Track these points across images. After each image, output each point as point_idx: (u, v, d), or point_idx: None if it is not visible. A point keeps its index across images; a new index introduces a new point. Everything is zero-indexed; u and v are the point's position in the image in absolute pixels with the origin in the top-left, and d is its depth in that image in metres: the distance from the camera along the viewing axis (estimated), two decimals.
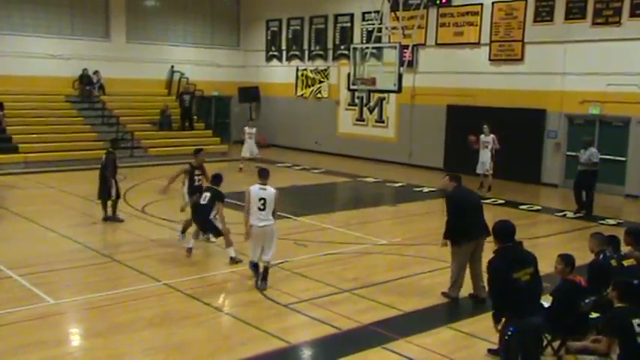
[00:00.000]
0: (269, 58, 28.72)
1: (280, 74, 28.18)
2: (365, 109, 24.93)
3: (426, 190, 18.24)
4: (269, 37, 28.60)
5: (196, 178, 11.73)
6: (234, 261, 10.32)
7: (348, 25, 25.08)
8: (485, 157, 17.44)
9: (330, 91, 26.28)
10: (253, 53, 29.32)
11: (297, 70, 27.45)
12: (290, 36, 27.66)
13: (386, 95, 23.29)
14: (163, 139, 24.07)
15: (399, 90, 17.89)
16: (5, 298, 8.53)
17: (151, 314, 8.22)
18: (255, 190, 8.96)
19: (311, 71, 26.96)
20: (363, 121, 25.03)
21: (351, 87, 19.52)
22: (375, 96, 23.91)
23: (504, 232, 5.92)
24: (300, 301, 8.69)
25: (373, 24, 19.63)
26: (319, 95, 26.74)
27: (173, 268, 10.22)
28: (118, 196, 13.37)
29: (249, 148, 21.38)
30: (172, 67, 27.15)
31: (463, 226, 8.58)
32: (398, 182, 19.67)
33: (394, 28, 19.72)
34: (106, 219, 13.20)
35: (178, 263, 10.48)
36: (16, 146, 20.99)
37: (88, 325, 8.00)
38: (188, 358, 6.98)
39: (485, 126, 17.52)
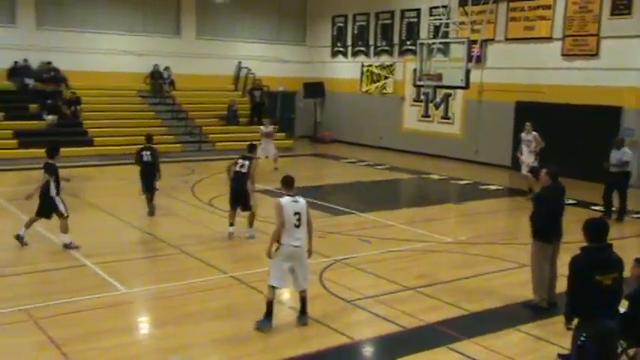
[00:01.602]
0: (334, 54, 28.75)
1: (345, 70, 28.16)
2: (430, 105, 24.62)
3: (492, 187, 17.86)
4: (335, 33, 28.63)
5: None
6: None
7: (415, 20, 24.80)
8: (529, 158, 16.19)
9: (395, 87, 26.08)
10: (319, 49, 29.41)
11: (362, 65, 27.37)
12: (356, 32, 27.60)
13: (452, 91, 22.93)
14: (230, 133, 24.48)
15: (467, 86, 17.57)
16: (81, 286, 8.88)
17: (217, 306, 8.39)
18: (288, 203, 7.46)
19: (376, 67, 26.82)
20: (429, 117, 24.74)
21: (417, 83, 19.30)
22: (441, 92, 23.59)
23: (596, 231, 5.59)
24: (363, 298, 8.69)
25: (441, 19, 19.35)
26: (384, 91, 26.59)
27: (239, 260, 10.41)
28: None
29: (263, 150, 19.53)
30: (240, 62, 27.57)
31: (553, 226, 8.34)
32: (463, 180, 19.35)
33: (462, 23, 19.39)
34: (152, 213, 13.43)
35: (244, 256, 10.67)
36: (92, 139, 21.81)
37: (157, 315, 8.24)
38: (253, 351, 7.08)
39: (527, 123, 16.41)
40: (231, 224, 11.66)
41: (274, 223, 7.49)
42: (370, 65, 27.06)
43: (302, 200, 7.57)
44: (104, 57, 24.62)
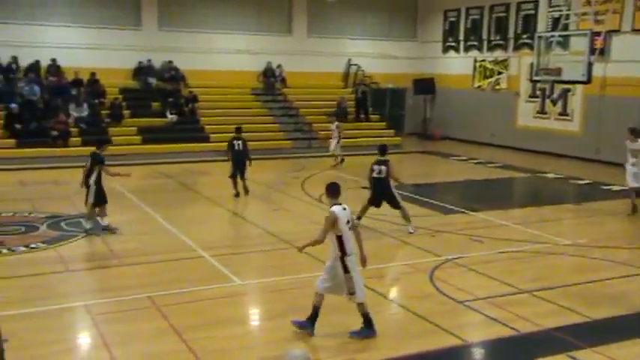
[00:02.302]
0: (446, 49, 28.21)
1: (457, 65, 27.56)
2: (547, 101, 23.57)
3: (615, 188, 16.84)
4: (447, 28, 28.08)
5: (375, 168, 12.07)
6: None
7: (532, 12, 23.81)
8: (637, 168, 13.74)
9: (509, 83, 25.21)
10: (430, 44, 28.97)
11: (475, 60, 26.67)
12: (469, 26, 26.94)
13: (572, 86, 21.81)
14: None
15: (589, 81, 16.64)
16: (198, 277, 9.27)
17: (327, 301, 8.45)
18: (341, 212, 7.05)
19: (489, 62, 26.05)
20: (545, 113, 23.70)
21: (534, 78, 18.53)
22: (560, 87, 22.51)
23: None
24: (476, 299, 8.46)
25: (561, 10, 18.48)
26: (497, 87, 25.76)
27: None
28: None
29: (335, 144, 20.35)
30: (350, 60, 27.70)
31: None
32: (583, 179, 18.38)
33: (584, 13, 18.41)
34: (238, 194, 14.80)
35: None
36: (208, 136, 22.71)
37: (270, 307, 8.44)
38: (364, 348, 7.09)
39: (633, 128, 14.11)
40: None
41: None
42: (483, 60, 26.32)
43: (349, 208, 7.22)
44: (220, 56, 25.57)
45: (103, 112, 22.43)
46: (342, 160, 20.37)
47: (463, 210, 14.01)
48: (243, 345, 7.10)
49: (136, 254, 10.37)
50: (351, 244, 7.11)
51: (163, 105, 23.36)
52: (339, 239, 7.01)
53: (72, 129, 21.06)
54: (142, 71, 24.63)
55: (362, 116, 25.89)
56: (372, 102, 27.01)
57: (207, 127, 23.22)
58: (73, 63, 23.09)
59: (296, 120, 24.65)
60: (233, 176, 14.86)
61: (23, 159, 19.16)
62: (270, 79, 26.11)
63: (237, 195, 14.81)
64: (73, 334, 7.43)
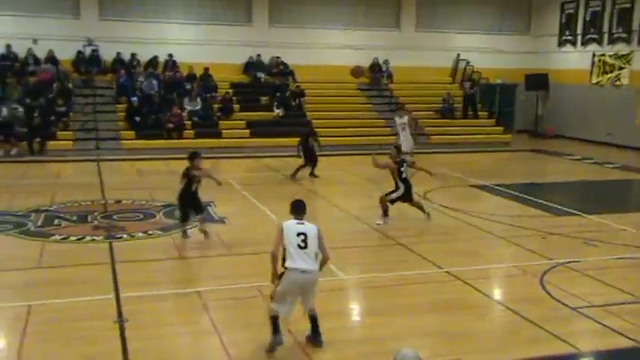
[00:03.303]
0: (562, 43, 26.99)
1: (573, 60, 26.30)
2: None
3: None
4: (563, 21, 26.84)
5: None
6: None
7: None
8: None
9: (631, 78, 23.73)
10: (544, 38, 27.81)
11: (594, 55, 25.32)
12: (588, 18, 25.60)
13: None
14: (446, 127, 24.23)
15: None
16: None
17: (430, 299, 8.37)
18: (291, 224, 6.81)
19: (610, 56, 24.63)
20: None
21: None
22: None
23: None
24: (590, 306, 8.05)
25: None
26: (618, 83, 24.34)
27: (455, 255, 10.25)
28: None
29: (405, 142, 18.77)
30: (458, 55, 27.12)
31: None
32: None
33: None
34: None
35: (461, 251, 10.49)
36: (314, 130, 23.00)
37: (371, 303, 8.44)
38: (467, 350, 6.93)
39: None
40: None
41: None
42: (603, 55, 24.94)
43: (312, 226, 6.84)
44: (327, 51, 25.82)
45: (214, 105, 23.28)
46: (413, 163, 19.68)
47: (576, 212, 13.37)
48: (345, 339, 7.15)
49: (244, 245, 10.68)
50: (294, 259, 6.56)
51: (271, 99, 23.90)
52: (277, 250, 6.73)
53: (186, 122, 22.02)
54: (251, 66, 25.33)
55: (470, 113, 25.29)
56: (481, 98, 26.33)
57: (313, 121, 23.51)
58: (188, 58, 24.13)
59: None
60: (303, 167, 16.78)
61: (141, 150, 20.26)
62: (377, 74, 26.06)
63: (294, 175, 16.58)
64: (185, 318, 7.77)
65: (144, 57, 24.07)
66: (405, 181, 12.12)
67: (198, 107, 22.79)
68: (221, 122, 22.64)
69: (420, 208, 12.29)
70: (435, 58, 26.82)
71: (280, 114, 23.36)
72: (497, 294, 8.87)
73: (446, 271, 9.39)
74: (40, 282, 8.64)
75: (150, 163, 18.89)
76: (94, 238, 10.72)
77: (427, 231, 11.79)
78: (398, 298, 8.37)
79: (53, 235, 10.83)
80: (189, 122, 22.16)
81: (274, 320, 6.56)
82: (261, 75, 25.15)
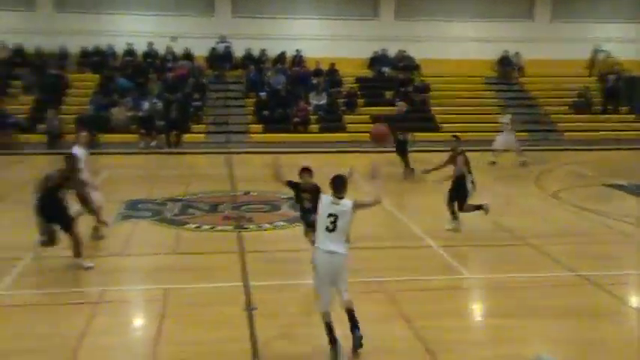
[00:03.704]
0: None
1: None
2: None
3: None
4: None
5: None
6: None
7: None
8: None
9: None
10: None
11: None
12: None
13: None
14: (581, 122, 22.93)
15: None
16: (426, 266, 9.32)
17: (561, 303, 7.97)
18: (326, 201, 6.51)
19: None
20: None
21: None
22: None
23: None
24: None
25: None
26: None
27: (588, 258, 9.70)
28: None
29: (502, 140, 18.12)
30: (598, 45, 25.54)
31: None
32: None
33: None
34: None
35: (594, 254, 9.91)
36: (438, 125, 22.64)
37: (497, 304, 8.17)
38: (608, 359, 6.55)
39: None
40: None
41: None
42: None
43: (347, 204, 6.45)
44: (453, 44, 25.31)
45: (339, 100, 23.54)
46: (525, 162, 18.18)
47: None
48: (470, 339, 7.00)
49: (366, 239, 10.71)
50: (320, 239, 6.42)
51: (396, 94, 23.79)
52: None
53: (311, 116, 22.44)
54: (376, 60, 25.34)
55: (609, 108, 23.76)
56: (622, 92, 24.63)
57: (437, 116, 23.14)
58: (314, 53, 24.57)
59: (532, 111, 23.43)
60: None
61: (269, 143, 20.89)
62: (507, 67, 25.14)
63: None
64: (307, 308, 7.94)
65: (272, 53, 24.82)
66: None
67: (324, 102, 23.14)
68: (345, 116, 22.85)
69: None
70: (571, 49, 25.38)
71: (404, 108, 23.15)
72: (635, 302, 8.29)
73: (579, 275, 8.91)
74: (175, 267, 9.18)
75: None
76: (225, 228, 11.22)
77: (559, 232, 11.24)
78: (526, 300, 8.05)
79: (187, 223, 11.46)
80: (315, 116, 22.56)
81: (329, 326, 6.31)
82: (386, 69, 25.09)
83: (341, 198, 6.49)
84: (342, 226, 6.36)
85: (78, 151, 10.09)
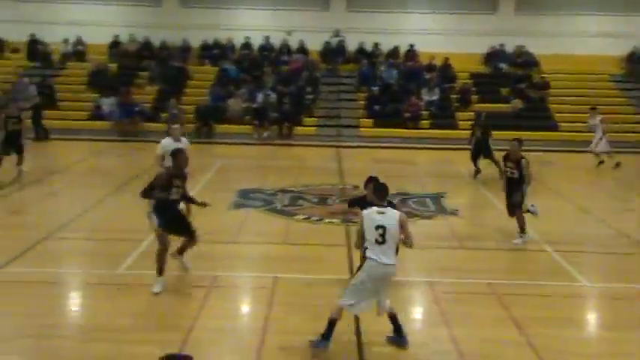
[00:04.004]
0: None
1: None
2: None
3: None
4: None
5: None
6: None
7: None
8: None
9: None
10: None
11: None
12: None
13: None
14: None
15: None
16: (540, 270, 8.98)
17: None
18: (370, 214, 6.26)
19: None
20: None
21: None
22: None
23: None
24: None
25: None
26: None
27: None
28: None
29: (605, 142, 17.14)
30: None
31: None
32: None
33: None
34: None
35: None
36: (557, 124, 21.66)
37: (614, 316, 7.73)
38: None
39: None
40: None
41: None
42: None
43: (392, 214, 6.22)
44: (577, 39, 24.04)
45: (452, 96, 23.07)
46: (602, 161, 17.27)
47: None
48: (583, 352, 6.66)
49: (475, 239, 10.49)
50: (375, 251, 6.17)
51: (512, 91, 23.00)
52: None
53: (423, 112, 22.15)
54: (493, 56, 24.59)
55: None
56: None
57: (556, 115, 22.13)
58: (428, 48, 24.20)
59: None
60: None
61: (378, 138, 20.86)
62: (636, 64, 23.59)
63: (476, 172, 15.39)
64: (415, 307, 7.89)
65: (385, 47, 24.72)
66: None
67: (436, 97, 22.77)
68: (458, 113, 22.37)
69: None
70: None
71: (519, 106, 22.35)
72: None
73: None
74: (285, 257, 9.39)
75: (386, 152, 19.38)
76: (332, 220, 11.34)
77: None
78: None
79: (297, 214, 11.70)
80: (427, 112, 22.25)
81: (332, 323, 6.22)
82: (503, 65, 24.30)
83: (385, 206, 6.37)
84: (391, 237, 6.21)
85: (165, 141, 10.59)
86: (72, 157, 18.19)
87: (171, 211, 7.86)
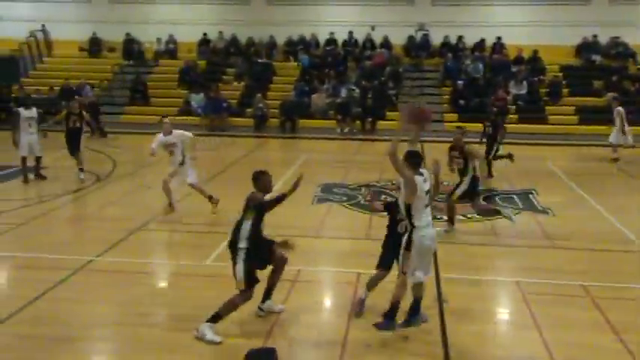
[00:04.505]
0: None
1: None
2: None
3: None
4: None
5: None
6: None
7: None
8: None
9: None
10: None
11: None
12: None
13: None
14: None
15: None
16: (636, 273, 8.50)
17: None
18: (420, 180, 6.14)
19: None
20: None
21: None
22: None
23: None
24: None
25: None
26: None
27: None
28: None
29: (615, 134, 16.62)
30: None
31: None
32: None
33: None
34: None
35: None
36: None
37: None
38: None
39: None
40: None
41: None
42: None
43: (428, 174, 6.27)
44: None
45: (541, 90, 22.28)
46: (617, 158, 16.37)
47: None
48: None
49: (568, 238, 10.05)
50: (423, 219, 6.17)
51: (606, 84, 21.94)
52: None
53: (510, 106, 21.50)
54: (585, 48, 23.56)
55: None
56: None
57: None
58: (516, 41, 23.51)
59: None
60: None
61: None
62: None
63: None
64: (503, 308, 7.66)
65: (470, 40, 24.16)
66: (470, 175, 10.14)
67: (524, 91, 22.05)
68: (548, 107, 21.57)
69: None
70: None
71: (610, 99, 21.28)
72: None
73: None
74: (368, 252, 9.28)
75: (471, 147, 18.88)
76: None
77: None
78: None
79: None
80: (514, 106, 21.59)
81: (396, 306, 6.24)
82: (596, 57, 23.21)
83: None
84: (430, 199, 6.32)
85: (161, 137, 10.81)
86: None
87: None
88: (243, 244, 6.40)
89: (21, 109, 13.65)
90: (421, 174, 6.21)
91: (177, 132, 11.07)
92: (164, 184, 10.91)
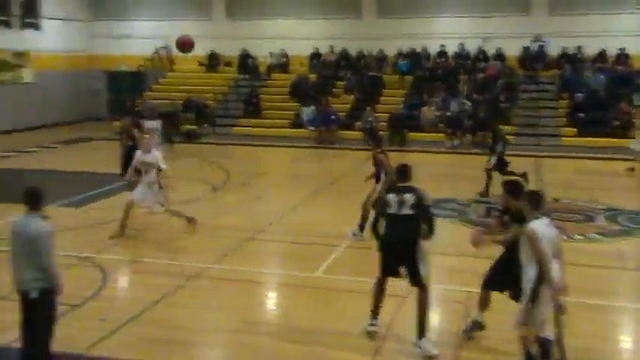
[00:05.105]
0: None
1: None
2: None
3: None
4: None
5: None
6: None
7: None
8: None
9: None
10: None
11: None
12: None
13: None
14: None
15: None
16: None
17: None
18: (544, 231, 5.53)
19: None
20: None
21: None
22: None
23: None
24: None
25: None
26: None
27: None
28: None
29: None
30: None
31: None
32: None
33: None
34: None
35: None
36: None
37: None
38: None
39: None
40: None
41: None
42: None
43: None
44: None
45: None
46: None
47: None
48: None
49: (607, 258, 9.31)
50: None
51: None
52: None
53: (634, 120, 20.20)
54: None
55: None
56: None
57: None
58: None
59: None
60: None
61: (582, 147, 19.45)
62: None
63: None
64: (623, 336, 7.20)
65: (590, 51, 23.01)
66: None
67: None
68: None
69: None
70: None
71: None
72: None
73: None
74: (478, 271, 9.04)
75: (591, 163, 18.01)
76: None
77: None
78: None
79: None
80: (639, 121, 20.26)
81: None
82: None
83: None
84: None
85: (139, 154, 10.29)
86: (274, 162, 19.36)
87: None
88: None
89: (145, 121, 14.22)
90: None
91: (156, 153, 10.43)
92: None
